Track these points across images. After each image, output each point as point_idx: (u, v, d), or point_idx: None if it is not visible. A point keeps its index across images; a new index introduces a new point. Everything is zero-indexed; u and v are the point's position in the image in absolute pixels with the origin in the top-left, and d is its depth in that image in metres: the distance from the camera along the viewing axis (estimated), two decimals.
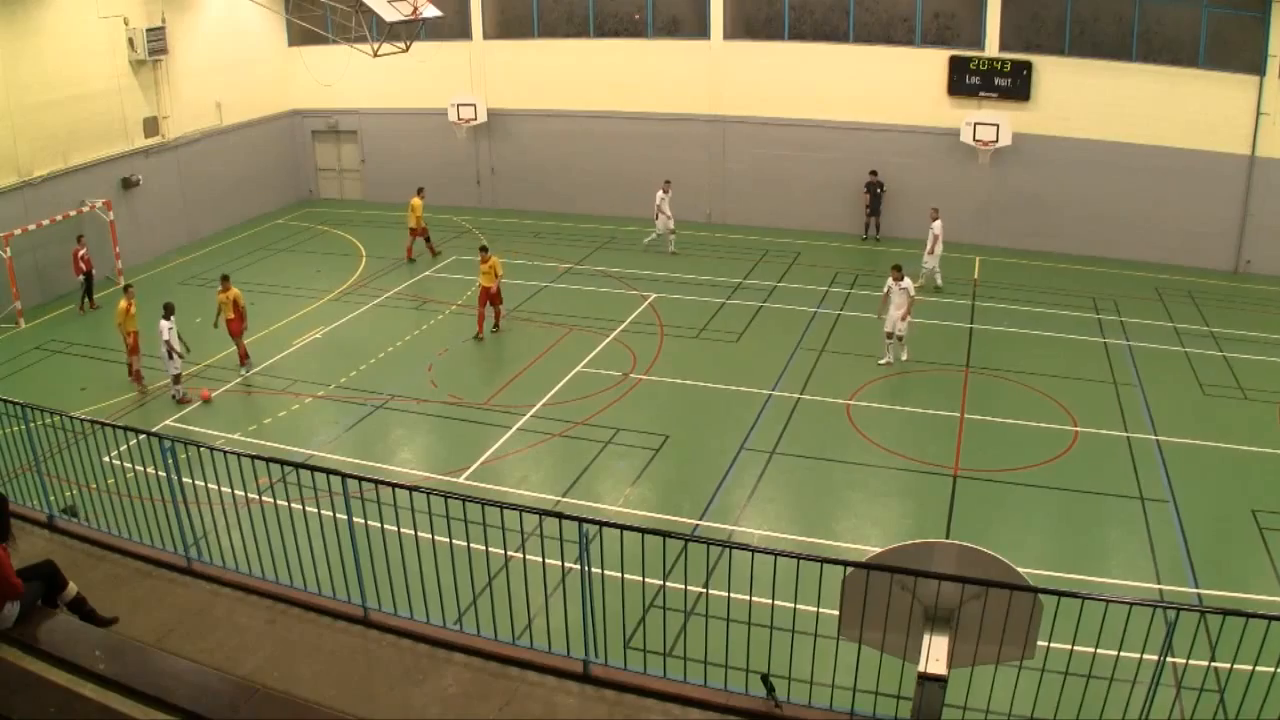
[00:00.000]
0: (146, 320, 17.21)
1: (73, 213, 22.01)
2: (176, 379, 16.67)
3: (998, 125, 23.23)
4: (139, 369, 17.26)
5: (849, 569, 6.18)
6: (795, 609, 6.50)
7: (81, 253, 21.09)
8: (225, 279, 18.11)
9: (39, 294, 21.38)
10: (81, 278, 21.22)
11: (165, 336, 16.27)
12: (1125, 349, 18.44)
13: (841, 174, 25.21)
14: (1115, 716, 6.69)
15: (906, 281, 17.27)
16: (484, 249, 19.66)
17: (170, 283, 22.80)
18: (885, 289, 17.59)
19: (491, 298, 19.19)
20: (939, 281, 21.35)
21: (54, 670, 6.31)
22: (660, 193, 23.95)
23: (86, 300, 21.42)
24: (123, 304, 16.92)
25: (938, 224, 20.95)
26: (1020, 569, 6.06)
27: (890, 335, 17.53)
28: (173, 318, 16.48)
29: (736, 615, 6.81)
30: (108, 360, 18.51)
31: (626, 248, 24.80)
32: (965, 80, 23.79)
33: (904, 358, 17.69)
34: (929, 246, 21.11)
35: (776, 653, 7.39)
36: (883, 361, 17.62)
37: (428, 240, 24.43)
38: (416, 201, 23.85)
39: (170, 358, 16.38)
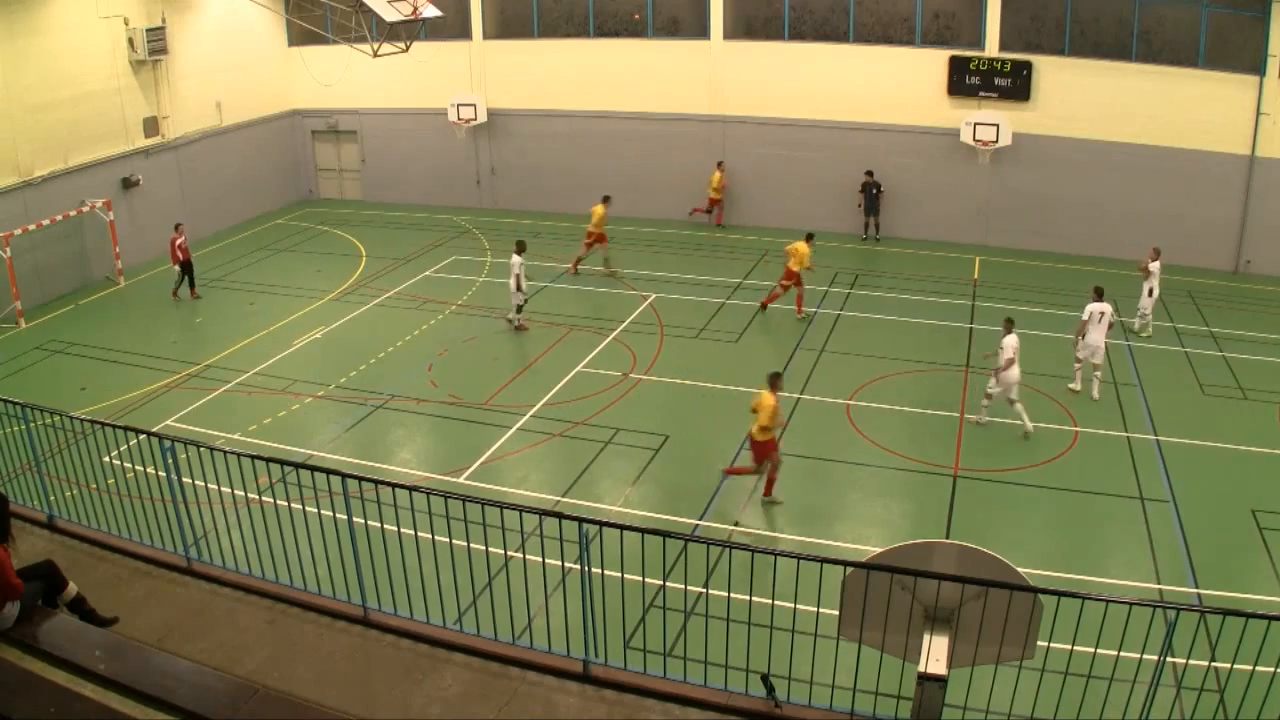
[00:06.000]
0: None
1: (73, 213, 22.01)
2: (519, 309, 19.38)
3: (998, 125, 23.22)
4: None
5: (849, 569, 6.19)
6: (795, 609, 6.50)
7: (180, 240, 21.22)
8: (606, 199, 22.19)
9: (39, 294, 21.37)
10: (178, 267, 21.41)
11: (516, 270, 18.95)
12: (1125, 349, 18.44)
13: (841, 174, 25.20)
14: (1115, 716, 6.70)
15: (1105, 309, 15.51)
16: (809, 236, 20.40)
17: (170, 282, 22.77)
18: (1085, 316, 16.17)
19: (792, 281, 19.77)
20: (1149, 330, 19.18)
21: (54, 670, 6.31)
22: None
23: (188, 289, 21.65)
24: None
25: (1157, 264, 18.62)
26: (1020, 569, 6.07)
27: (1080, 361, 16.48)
28: (524, 254, 19.20)
29: (736, 615, 6.81)
30: (108, 360, 18.52)
31: (626, 247, 24.78)
32: (965, 80, 23.78)
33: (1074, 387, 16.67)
34: (1147, 289, 18.81)
35: (776, 653, 7.39)
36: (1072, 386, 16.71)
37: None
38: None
39: (519, 290, 19.06)
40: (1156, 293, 18.90)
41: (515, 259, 19.05)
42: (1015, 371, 14.87)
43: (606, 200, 22.78)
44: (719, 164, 25.90)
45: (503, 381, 17.29)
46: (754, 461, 13.19)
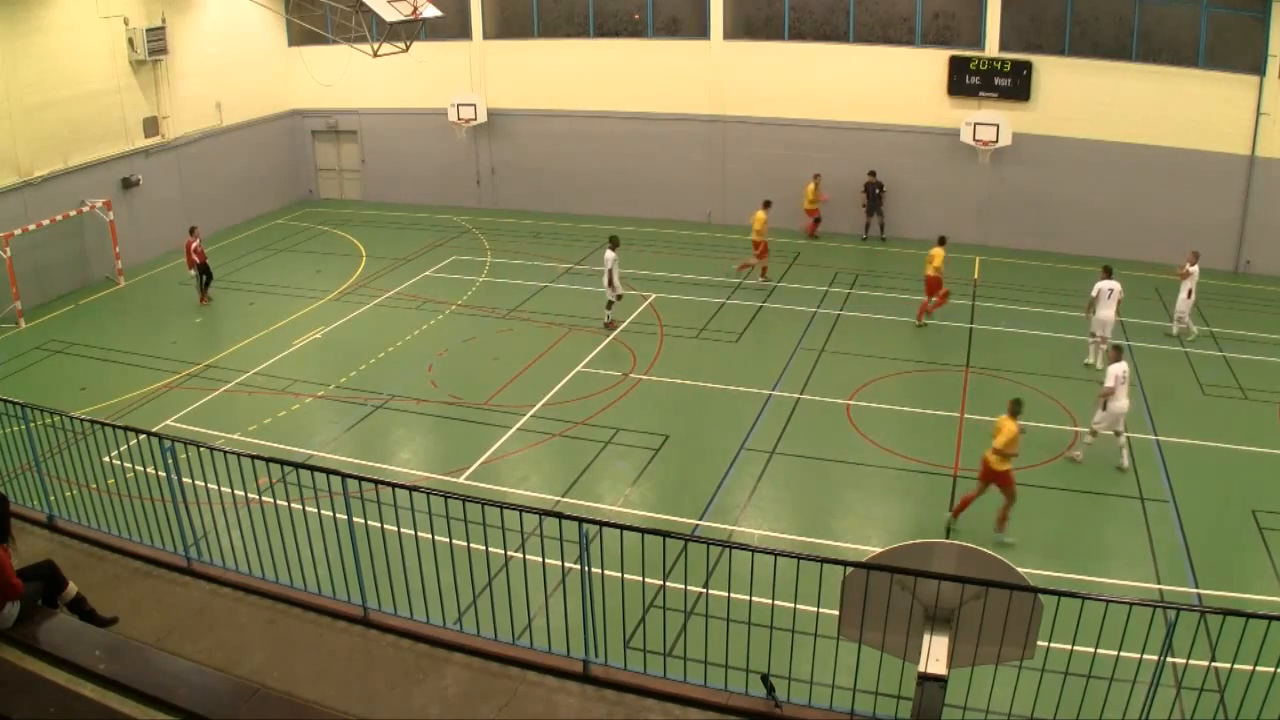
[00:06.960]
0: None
1: (73, 213, 22.01)
2: (610, 304, 19.30)
3: (998, 125, 23.22)
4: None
5: (849, 569, 6.19)
6: (795, 609, 6.50)
7: (195, 244, 21.17)
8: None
9: (39, 294, 21.37)
10: (194, 270, 21.33)
11: (609, 266, 18.93)
12: (1125, 349, 18.36)
13: (841, 174, 25.19)
14: (1115, 716, 6.70)
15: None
16: (942, 239, 19.40)
17: (170, 282, 22.82)
18: (1094, 292, 16.87)
19: (931, 288, 19.25)
20: (1194, 332, 18.85)
21: (54, 670, 6.31)
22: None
23: (204, 293, 21.53)
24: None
25: (1195, 267, 18.33)
26: (1020, 569, 6.07)
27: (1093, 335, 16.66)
28: (617, 250, 19.14)
29: (736, 615, 6.81)
30: (108, 360, 18.52)
31: (626, 247, 24.75)
32: (965, 80, 23.78)
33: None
34: (1186, 290, 18.54)
35: (776, 653, 7.39)
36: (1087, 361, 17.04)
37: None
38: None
39: (610, 285, 19.01)
40: (1194, 296, 18.74)
41: (609, 254, 18.99)
42: (1123, 402, 13.86)
43: (767, 205, 21.99)
44: (815, 176, 24.84)
45: (503, 381, 17.29)
46: (980, 481, 12.53)
